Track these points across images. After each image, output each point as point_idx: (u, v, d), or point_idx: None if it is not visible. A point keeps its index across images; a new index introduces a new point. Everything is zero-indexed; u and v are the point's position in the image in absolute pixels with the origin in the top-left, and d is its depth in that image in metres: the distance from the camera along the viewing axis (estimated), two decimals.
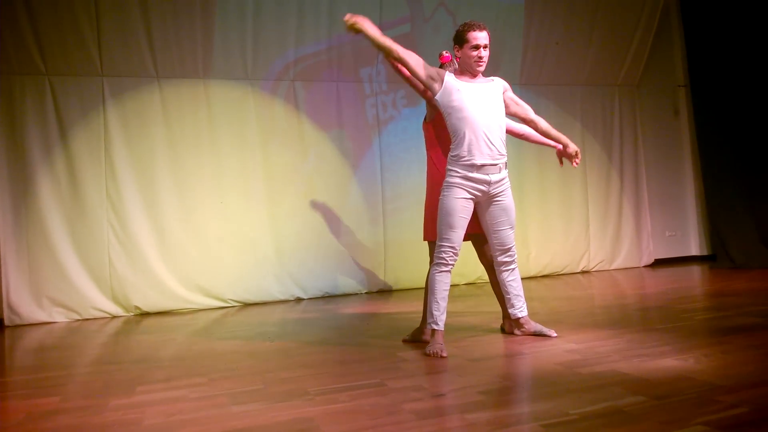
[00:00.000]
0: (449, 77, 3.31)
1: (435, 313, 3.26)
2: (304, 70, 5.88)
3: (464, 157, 3.23)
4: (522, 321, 3.53)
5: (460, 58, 3.35)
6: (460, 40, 3.32)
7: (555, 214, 6.74)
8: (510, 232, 3.42)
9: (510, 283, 3.49)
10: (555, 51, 6.70)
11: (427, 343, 3.34)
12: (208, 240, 5.54)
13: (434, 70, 3.34)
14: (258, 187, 5.71)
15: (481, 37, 3.27)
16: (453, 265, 3.28)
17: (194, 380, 2.90)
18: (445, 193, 3.28)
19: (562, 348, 3.19)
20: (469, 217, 3.29)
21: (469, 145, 3.22)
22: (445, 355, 3.11)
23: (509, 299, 3.52)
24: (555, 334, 3.46)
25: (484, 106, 3.27)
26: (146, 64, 5.40)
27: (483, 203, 3.36)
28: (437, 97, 3.31)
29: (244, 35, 5.62)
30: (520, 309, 3.51)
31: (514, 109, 3.43)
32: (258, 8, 5.61)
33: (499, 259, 3.46)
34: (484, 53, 3.29)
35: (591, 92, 7.01)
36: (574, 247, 6.81)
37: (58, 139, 5.17)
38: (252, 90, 5.73)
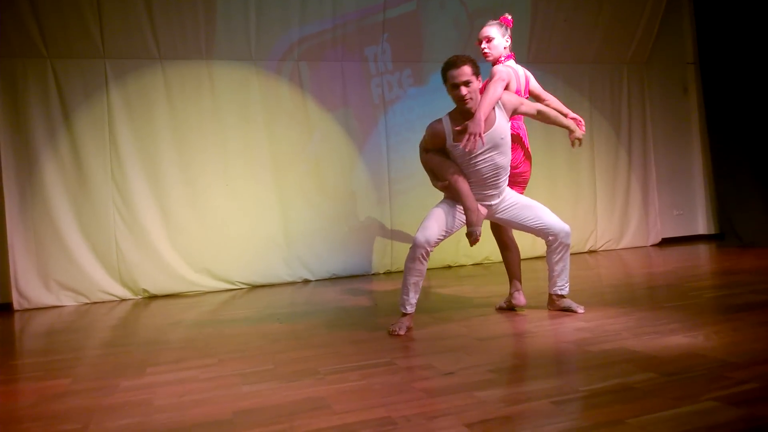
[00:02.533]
0: (448, 137, 3.27)
1: (404, 297, 3.34)
2: (309, 49, 5.83)
3: None
4: (554, 298, 3.60)
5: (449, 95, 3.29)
6: (443, 79, 3.26)
7: (562, 194, 6.71)
8: (545, 215, 3.45)
9: (556, 262, 3.51)
10: (563, 28, 6.62)
11: (512, 307, 3.68)
12: (215, 222, 5.54)
13: (434, 140, 3.33)
14: (263, 168, 5.70)
15: (457, 74, 3.15)
16: (426, 251, 3.28)
17: (204, 361, 2.91)
18: (443, 201, 3.40)
19: (571, 326, 3.18)
20: (454, 226, 3.35)
21: (472, 184, 3.31)
22: (402, 333, 3.24)
23: (552, 277, 3.57)
24: (582, 310, 3.52)
25: (487, 157, 3.26)
26: (149, 45, 5.36)
27: (492, 217, 3.48)
28: (449, 153, 3.34)
29: (247, 15, 5.57)
30: (560, 287, 3.56)
31: (523, 110, 3.45)
32: None
33: (548, 239, 3.48)
34: (466, 90, 3.16)
35: (599, 70, 6.94)
36: (582, 227, 6.78)
37: (61, 123, 5.16)
38: (256, 70, 5.70)
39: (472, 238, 3.22)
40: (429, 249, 3.27)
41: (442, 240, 3.33)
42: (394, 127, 6.12)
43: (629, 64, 7.06)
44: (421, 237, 3.25)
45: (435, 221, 3.30)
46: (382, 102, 6.11)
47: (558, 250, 3.48)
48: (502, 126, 3.28)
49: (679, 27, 7.40)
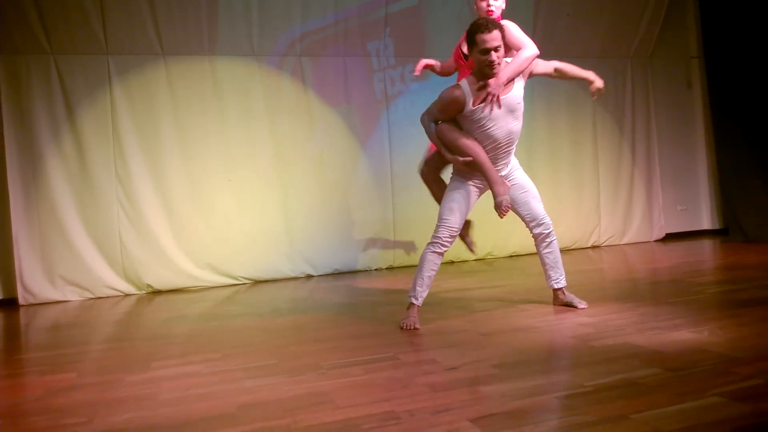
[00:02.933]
0: (468, 102, 3.17)
1: (418, 288, 3.35)
2: (311, 45, 5.82)
3: None
4: (557, 293, 3.61)
5: (474, 59, 3.16)
6: (470, 41, 3.12)
7: (565, 188, 6.69)
8: (535, 203, 3.48)
9: (546, 255, 3.55)
10: (566, 22, 6.59)
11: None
12: (218, 217, 5.54)
13: (450, 107, 3.21)
14: (266, 163, 5.69)
15: (489, 39, 3.03)
16: (448, 247, 3.35)
17: (208, 356, 2.92)
18: (452, 181, 3.39)
19: (575, 321, 3.18)
20: (470, 204, 3.38)
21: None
22: (418, 326, 3.23)
23: (545, 271, 3.60)
24: (584, 306, 3.52)
25: (503, 122, 3.22)
26: (151, 41, 5.35)
27: None
28: (461, 123, 3.27)
29: (250, 10, 5.55)
30: (556, 281, 3.58)
31: (539, 71, 3.42)
32: None
33: (534, 232, 3.52)
34: (496, 56, 3.06)
35: (603, 64, 6.88)
36: (585, 222, 6.77)
37: (65, 119, 5.16)
38: (258, 66, 5.68)
39: (502, 208, 3.15)
40: (450, 245, 3.34)
41: (461, 222, 3.37)
42: (396, 123, 6.10)
43: (633, 59, 7.03)
44: (444, 232, 3.29)
45: (456, 212, 3.32)
46: (384, 97, 6.10)
47: (549, 241, 3.52)
48: (519, 90, 3.25)
49: (684, 21, 7.36)
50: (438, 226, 3.33)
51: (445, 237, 3.31)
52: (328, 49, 5.88)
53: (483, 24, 3.07)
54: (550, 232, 3.51)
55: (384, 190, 6.04)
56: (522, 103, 3.27)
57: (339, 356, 2.77)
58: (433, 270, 3.35)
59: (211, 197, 5.53)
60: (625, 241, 6.97)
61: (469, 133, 3.23)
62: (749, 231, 6.63)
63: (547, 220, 3.49)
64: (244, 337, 3.31)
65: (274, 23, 5.65)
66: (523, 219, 3.50)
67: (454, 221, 3.31)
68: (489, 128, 3.19)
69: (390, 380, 2.36)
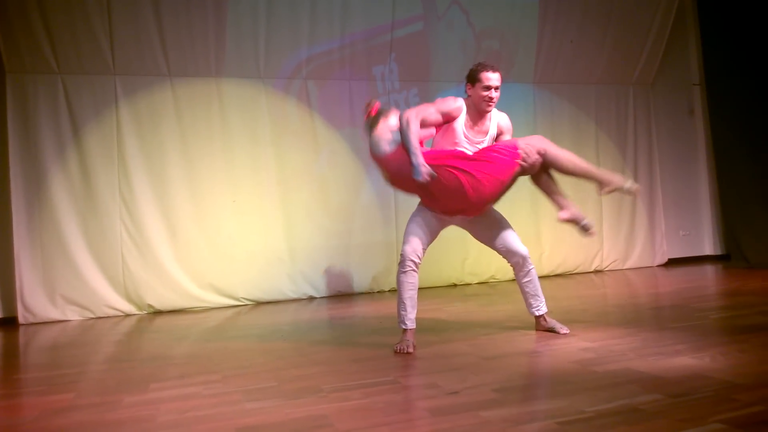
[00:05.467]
0: (460, 121, 3.35)
1: (402, 313, 3.36)
2: (317, 68, 5.88)
3: None
4: (539, 319, 3.62)
5: (470, 96, 3.38)
6: (473, 78, 3.36)
7: None
8: (508, 235, 3.51)
9: (525, 284, 3.58)
10: (569, 49, 6.66)
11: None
12: (221, 239, 5.55)
13: (449, 108, 3.35)
14: (270, 185, 5.72)
15: (493, 78, 3.32)
16: (416, 262, 3.35)
17: (208, 377, 2.91)
18: (416, 211, 3.50)
19: (576, 346, 3.17)
20: (435, 230, 3.44)
21: None
22: (411, 351, 3.22)
23: (525, 299, 3.62)
24: (566, 331, 3.52)
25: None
26: (158, 62, 5.42)
27: (463, 224, 3.54)
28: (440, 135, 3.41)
29: (257, 33, 5.63)
30: (536, 308, 3.60)
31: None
32: (270, 6, 5.61)
33: (511, 262, 3.57)
34: (495, 94, 3.33)
35: (605, 91, 6.96)
36: (588, 247, 6.76)
37: (71, 138, 5.20)
38: (264, 88, 5.74)
39: (423, 176, 3.09)
40: (418, 260, 3.34)
41: (426, 248, 3.39)
42: None
43: (635, 85, 7.08)
44: (408, 248, 3.32)
45: (417, 231, 3.38)
46: None
47: (526, 270, 3.54)
48: (492, 129, 3.46)
49: (685, 49, 7.43)
50: (403, 245, 3.39)
51: (409, 252, 3.33)
52: (334, 73, 5.94)
53: (489, 64, 3.37)
54: (526, 262, 3.53)
55: (388, 213, 6.06)
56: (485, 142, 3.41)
57: (339, 379, 2.75)
58: (411, 290, 3.35)
59: (215, 218, 5.54)
60: (627, 266, 6.96)
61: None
62: (751, 257, 6.62)
63: (522, 250, 3.50)
64: (245, 359, 3.30)
65: (281, 46, 5.72)
66: (498, 252, 3.55)
67: (417, 240, 3.36)
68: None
69: (390, 404, 2.34)
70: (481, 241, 3.60)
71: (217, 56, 5.55)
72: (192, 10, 5.40)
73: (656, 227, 7.13)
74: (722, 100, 7.00)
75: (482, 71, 3.32)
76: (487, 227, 3.52)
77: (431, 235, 3.45)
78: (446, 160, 3.22)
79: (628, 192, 3.36)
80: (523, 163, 3.25)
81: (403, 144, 3.18)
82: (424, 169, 3.07)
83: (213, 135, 5.57)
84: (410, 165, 3.12)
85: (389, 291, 5.98)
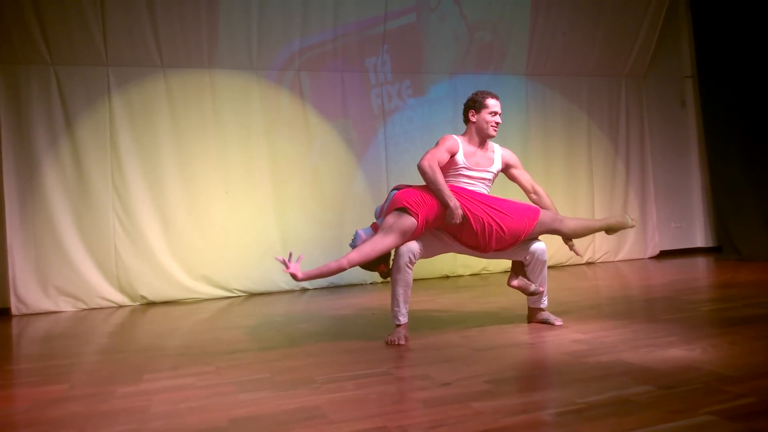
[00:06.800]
0: (459, 153, 3.42)
1: (395, 309, 3.34)
2: (309, 59, 5.87)
3: None
4: (534, 311, 3.64)
5: (475, 122, 3.48)
6: (478, 105, 3.48)
7: (560, 205, 6.66)
8: (521, 244, 3.47)
9: (535, 278, 3.56)
10: (561, 41, 6.66)
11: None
12: (214, 230, 5.55)
13: (450, 145, 3.41)
14: (263, 176, 5.71)
15: (497, 104, 3.48)
16: (411, 263, 3.31)
17: (201, 368, 2.91)
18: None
19: (568, 338, 3.19)
20: (435, 246, 3.42)
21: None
22: (403, 342, 3.24)
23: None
24: (560, 323, 3.53)
25: (475, 186, 3.45)
26: (151, 53, 5.39)
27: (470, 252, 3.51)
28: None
29: (249, 25, 5.60)
30: (541, 301, 3.62)
31: (517, 181, 3.65)
32: None
33: (525, 259, 3.56)
34: (500, 120, 3.49)
35: (597, 83, 6.98)
36: (580, 239, 6.77)
37: (63, 129, 5.18)
38: (257, 80, 5.72)
39: (454, 219, 3.19)
40: (414, 259, 3.29)
41: (421, 255, 3.34)
42: (393, 138, 6.14)
43: (627, 77, 7.10)
44: (403, 247, 3.28)
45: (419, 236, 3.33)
46: (381, 112, 6.14)
47: (535, 267, 3.53)
48: (497, 166, 3.57)
49: (678, 41, 7.45)
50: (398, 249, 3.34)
51: (404, 250, 3.27)
52: (327, 64, 5.92)
53: (491, 92, 3.52)
54: (541, 258, 3.54)
55: (380, 204, 6.03)
56: (492, 177, 3.53)
57: (332, 370, 2.76)
58: (404, 287, 3.31)
59: (208, 209, 5.54)
60: (619, 257, 7.00)
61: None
62: (743, 249, 6.67)
63: (541, 247, 3.53)
64: (238, 350, 3.30)
65: (274, 38, 5.70)
66: (514, 258, 3.57)
67: (413, 243, 3.30)
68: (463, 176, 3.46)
69: (383, 395, 2.35)
70: (494, 258, 3.59)
71: (209, 47, 5.53)
72: (185, 2, 5.38)
73: (648, 219, 7.16)
74: (714, 92, 7.02)
75: (487, 98, 3.47)
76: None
77: (431, 249, 3.41)
78: (475, 205, 3.28)
79: (632, 227, 3.74)
80: (538, 227, 3.41)
81: (434, 191, 3.22)
82: (459, 212, 3.18)
83: (206, 126, 5.55)
84: (441, 207, 3.21)
85: (381, 282, 5.99)
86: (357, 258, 3.15)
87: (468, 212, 3.25)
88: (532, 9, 6.47)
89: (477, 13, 6.29)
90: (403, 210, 3.21)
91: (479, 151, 3.49)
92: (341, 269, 3.13)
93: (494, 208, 3.31)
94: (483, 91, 3.54)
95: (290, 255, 3.09)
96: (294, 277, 3.03)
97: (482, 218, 3.26)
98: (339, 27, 5.87)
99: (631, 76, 7.12)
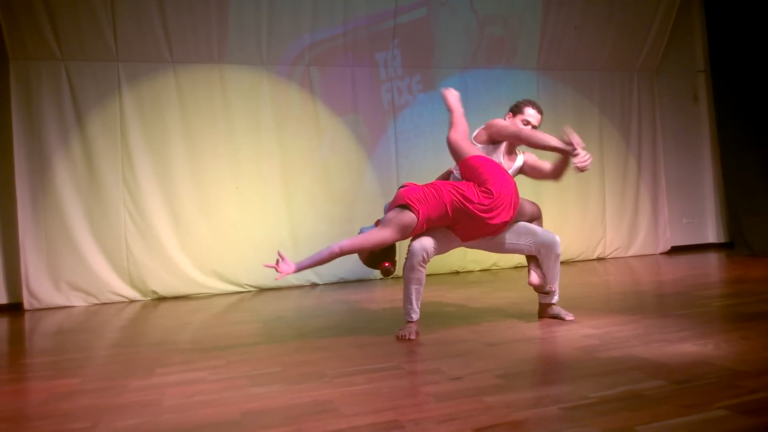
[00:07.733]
0: (501, 146, 3.49)
1: (407, 307, 3.32)
2: (319, 54, 5.86)
3: None
4: (545, 306, 3.62)
5: (511, 123, 3.51)
6: (517, 109, 3.54)
7: (571, 201, 6.69)
8: (534, 230, 3.45)
9: (547, 272, 3.51)
10: (573, 35, 6.62)
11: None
12: (224, 225, 5.57)
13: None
14: (273, 172, 5.72)
15: (535, 116, 3.50)
16: (424, 261, 3.28)
17: (212, 363, 2.92)
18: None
19: (579, 333, 3.17)
20: (449, 242, 3.38)
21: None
22: (413, 337, 3.23)
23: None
24: (571, 318, 3.51)
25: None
26: (161, 49, 5.40)
27: (486, 246, 3.50)
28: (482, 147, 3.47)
29: (259, 20, 5.61)
30: (552, 297, 3.59)
31: (537, 169, 3.61)
32: None
33: (539, 253, 3.49)
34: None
35: (609, 77, 6.93)
36: (590, 234, 6.77)
37: (74, 125, 5.21)
38: (267, 75, 5.73)
39: (585, 162, 3.10)
40: (427, 257, 3.26)
41: (436, 253, 3.31)
42: (403, 133, 6.13)
43: (639, 72, 7.05)
44: (417, 245, 3.26)
45: (433, 232, 3.30)
46: (391, 107, 6.13)
47: (549, 261, 3.48)
48: (516, 169, 3.63)
49: (690, 35, 7.39)
50: (413, 241, 3.30)
51: (418, 249, 3.24)
52: (337, 59, 5.92)
53: (536, 104, 3.55)
54: (555, 251, 3.48)
55: (390, 199, 6.04)
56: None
57: (343, 365, 2.76)
58: (417, 284, 3.29)
59: (218, 205, 5.55)
60: (630, 253, 6.96)
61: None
62: (755, 245, 6.61)
63: (555, 240, 3.48)
64: (249, 345, 3.31)
65: (284, 33, 5.70)
66: (528, 252, 3.52)
67: (429, 239, 3.27)
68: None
69: (394, 389, 2.36)
70: (505, 251, 3.54)
71: (219, 42, 5.53)
72: None
73: (659, 215, 7.12)
74: (727, 87, 6.96)
75: (528, 106, 3.51)
76: (511, 233, 3.44)
77: (445, 245, 3.37)
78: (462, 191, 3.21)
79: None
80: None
81: (540, 144, 3.24)
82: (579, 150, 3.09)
83: (216, 121, 5.56)
84: (446, 207, 3.16)
85: (392, 278, 5.99)
86: (348, 246, 3.15)
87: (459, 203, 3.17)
88: (544, 3, 6.43)
89: (488, 7, 6.26)
90: (405, 207, 3.20)
91: (509, 153, 3.56)
92: (333, 255, 3.14)
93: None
94: (529, 100, 3.58)
95: (278, 260, 3.08)
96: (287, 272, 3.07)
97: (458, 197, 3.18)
98: (349, 22, 5.86)
99: (644, 71, 7.07)
